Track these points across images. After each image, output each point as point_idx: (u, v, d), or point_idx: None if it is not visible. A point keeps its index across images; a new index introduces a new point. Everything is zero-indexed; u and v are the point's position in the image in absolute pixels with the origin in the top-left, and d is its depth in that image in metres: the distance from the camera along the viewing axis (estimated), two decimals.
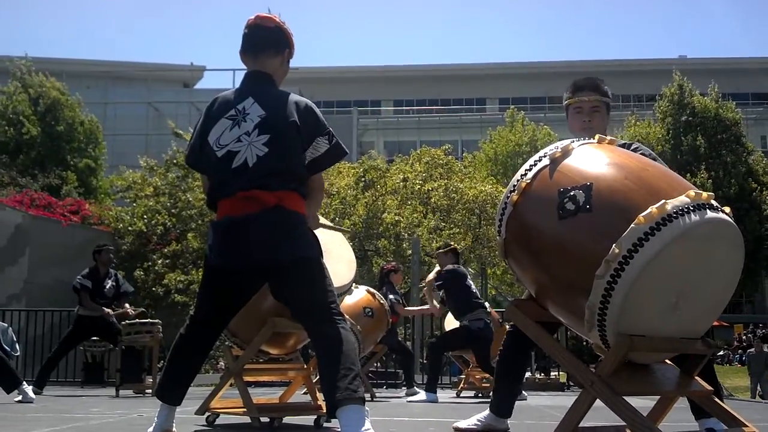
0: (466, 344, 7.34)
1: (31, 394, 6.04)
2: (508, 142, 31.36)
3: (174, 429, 3.03)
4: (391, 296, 7.68)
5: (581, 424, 2.31)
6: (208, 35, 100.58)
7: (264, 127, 2.81)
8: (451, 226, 16.25)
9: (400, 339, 8.76)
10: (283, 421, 3.94)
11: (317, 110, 2.92)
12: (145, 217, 15.90)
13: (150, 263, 15.35)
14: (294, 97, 2.91)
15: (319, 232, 3.00)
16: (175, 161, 16.78)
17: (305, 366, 4.47)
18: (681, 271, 2.11)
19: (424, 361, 11.45)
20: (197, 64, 43.10)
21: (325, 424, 3.87)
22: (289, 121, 2.81)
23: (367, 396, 6.40)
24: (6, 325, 7.86)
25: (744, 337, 25.83)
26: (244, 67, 3.04)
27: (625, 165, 2.28)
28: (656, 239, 2.02)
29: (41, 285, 12.80)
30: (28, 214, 13.99)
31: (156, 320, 8.08)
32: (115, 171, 20.51)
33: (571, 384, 9.61)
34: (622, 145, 3.16)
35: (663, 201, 2.06)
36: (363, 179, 16.17)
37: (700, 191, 2.14)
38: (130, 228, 15.69)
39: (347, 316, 2.89)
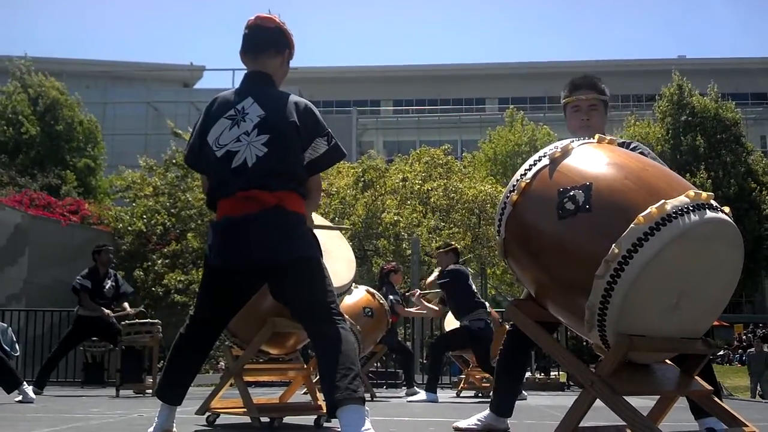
0: (466, 344, 7.34)
1: (32, 395, 6.04)
2: (507, 142, 31.35)
3: (174, 429, 3.03)
4: (391, 296, 7.68)
5: (581, 424, 2.31)
6: (208, 35, 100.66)
7: (263, 127, 2.81)
8: (451, 225, 16.25)
9: (400, 339, 8.77)
10: (284, 421, 3.94)
11: (317, 111, 2.92)
12: (144, 216, 15.89)
13: (149, 263, 15.34)
14: (294, 98, 2.91)
15: (318, 232, 3.00)
16: (174, 161, 16.77)
17: (305, 366, 4.47)
18: (681, 270, 2.11)
19: (424, 361, 11.46)
20: (197, 64, 43.14)
21: (326, 424, 3.87)
22: (289, 122, 2.82)
23: (367, 396, 6.40)
24: (6, 325, 7.85)
25: (744, 337, 25.83)
26: (244, 67, 3.04)
27: (625, 165, 2.28)
28: (656, 239, 2.02)
29: (41, 285, 12.80)
30: (28, 214, 13.98)
31: (156, 320, 8.09)
32: (114, 171, 20.51)
33: (571, 384, 9.61)
34: (621, 144, 3.17)
35: (662, 201, 2.06)
36: (362, 179, 16.17)
37: (700, 191, 2.14)
38: (129, 228, 15.69)
39: (347, 316, 2.90)
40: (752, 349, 16.97)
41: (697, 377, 2.49)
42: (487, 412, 3.58)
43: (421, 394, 7.06)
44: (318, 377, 2.99)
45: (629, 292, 2.04)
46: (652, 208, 2.05)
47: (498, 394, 3.56)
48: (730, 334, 27.53)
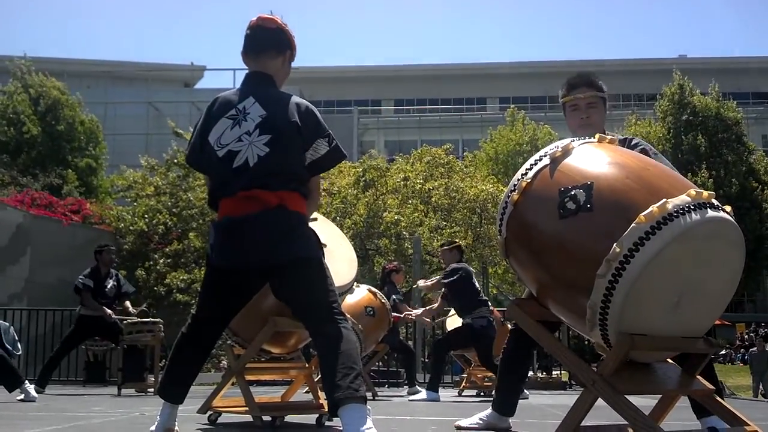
0: (469, 342, 7.34)
1: (33, 393, 6.05)
2: (508, 142, 31.33)
3: (176, 428, 3.03)
4: (393, 296, 7.69)
5: (583, 423, 2.31)
6: (209, 35, 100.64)
7: (265, 127, 2.82)
8: (452, 225, 16.25)
9: (401, 338, 8.77)
10: (285, 420, 3.95)
11: (317, 113, 2.93)
12: (146, 216, 15.89)
13: (151, 263, 15.35)
14: (295, 98, 2.92)
15: (319, 232, 3.00)
16: (175, 161, 16.77)
17: (307, 365, 4.47)
18: (682, 270, 2.11)
19: (426, 361, 11.46)
20: (198, 64, 43.09)
21: (327, 423, 3.88)
22: (291, 122, 2.82)
23: (369, 395, 6.40)
24: (8, 324, 7.85)
25: (746, 336, 25.82)
26: (245, 67, 3.05)
27: (626, 164, 2.28)
28: (657, 238, 2.02)
29: (43, 284, 12.81)
30: (29, 214, 13.99)
31: (157, 319, 8.10)
32: (115, 170, 20.49)
33: (573, 383, 9.61)
34: (623, 141, 3.17)
35: (664, 200, 2.06)
36: (363, 179, 16.17)
37: (701, 190, 2.14)
38: (131, 227, 15.68)
39: (348, 316, 2.90)
40: (754, 348, 16.95)
41: (698, 376, 2.49)
42: (489, 411, 3.59)
43: (423, 393, 7.06)
44: (319, 376, 2.99)
45: (631, 291, 2.04)
46: (653, 207, 2.05)
47: (500, 392, 3.57)
48: (732, 333, 27.51)
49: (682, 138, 27.10)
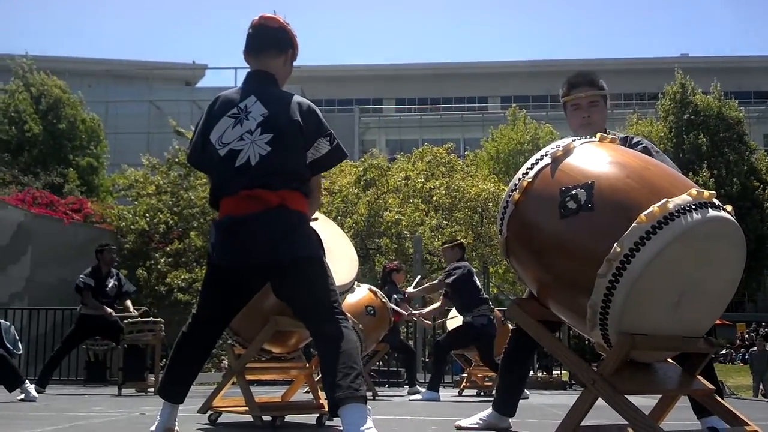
0: (470, 341, 7.34)
1: (34, 393, 6.05)
2: (510, 141, 31.31)
3: (176, 427, 3.03)
4: (394, 295, 7.69)
5: (583, 423, 2.31)
6: (210, 34, 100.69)
7: (266, 125, 2.82)
8: (453, 224, 16.24)
9: (402, 338, 8.77)
10: (285, 420, 3.94)
11: (319, 112, 2.93)
12: (147, 215, 15.89)
13: (152, 262, 15.35)
14: (297, 98, 2.92)
15: (320, 231, 3.00)
16: (176, 160, 16.77)
17: (307, 365, 4.47)
18: (683, 269, 2.11)
19: (426, 360, 11.46)
20: (199, 63, 43.05)
21: (327, 423, 3.88)
22: (293, 121, 2.82)
23: (369, 395, 6.41)
24: (8, 323, 7.84)
25: (746, 336, 25.82)
26: (247, 65, 3.05)
27: (627, 164, 2.28)
28: (658, 238, 2.02)
29: (43, 283, 12.81)
30: (30, 213, 14.00)
31: (158, 319, 8.10)
32: (116, 169, 20.50)
33: (573, 383, 9.61)
34: (624, 139, 3.17)
35: (665, 200, 2.06)
36: (364, 178, 16.16)
37: (702, 190, 2.14)
38: (132, 226, 15.68)
39: (349, 315, 2.90)
40: (754, 348, 16.95)
41: (698, 376, 2.49)
42: (489, 410, 3.58)
43: (424, 393, 7.06)
44: (320, 376, 2.99)
45: (631, 290, 2.04)
46: (654, 207, 2.04)
47: (501, 392, 3.57)
48: (733, 332, 27.51)
49: (683, 137, 27.09)
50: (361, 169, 16.45)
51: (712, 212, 2.11)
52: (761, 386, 14.91)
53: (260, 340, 3.79)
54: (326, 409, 3.65)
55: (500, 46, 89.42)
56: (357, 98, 45.60)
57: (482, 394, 8.09)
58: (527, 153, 26.36)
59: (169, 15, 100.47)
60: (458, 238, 10.36)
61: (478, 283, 7.41)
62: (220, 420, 3.99)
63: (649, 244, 2.02)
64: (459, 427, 3.65)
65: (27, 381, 6.15)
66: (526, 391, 6.89)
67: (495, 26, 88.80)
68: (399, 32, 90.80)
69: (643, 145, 3.18)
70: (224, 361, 11.95)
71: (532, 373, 9.98)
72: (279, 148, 2.79)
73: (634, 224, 2.04)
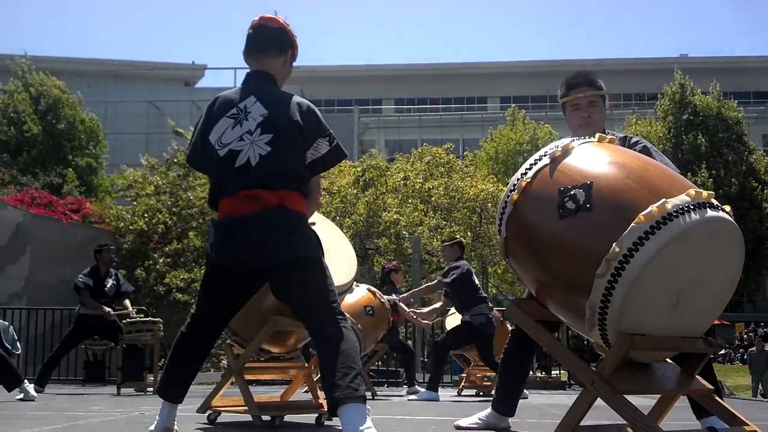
0: (469, 340, 7.34)
1: (33, 393, 6.05)
2: (509, 141, 31.32)
3: (176, 427, 3.03)
4: (393, 296, 7.68)
5: (582, 423, 2.31)
6: (210, 34, 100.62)
7: (266, 126, 2.82)
8: (452, 224, 16.23)
9: (401, 338, 8.77)
10: (284, 420, 3.94)
11: (318, 112, 2.93)
12: (146, 215, 15.89)
13: (151, 262, 15.34)
14: (296, 98, 2.92)
15: (319, 231, 3.00)
16: (176, 160, 16.76)
17: (306, 364, 4.47)
18: (681, 269, 2.11)
19: (426, 360, 11.46)
20: (198, 63, 43.04)
21: (326, 423, 3.88)
22: (292, 121, 2.82)
23: (368, 394, 6.41)
24: (7, 323, 7.85)
25: (745, 336, 25.82)
26: (246, 66, 3.05)
27: (626, 164, 2.28)
28: (656, 238, 2.02)
29: (42, 283, 12.81)
30: (29, 213, 14.00)
31: (157, 318, 8.10)
32: (115, 169, 20.47)
33: (572, 383, 9.61)
34: (623, 139, 3.17)
35: (663, 200, 2.06)
36: (363, 178, 16.16)
37: (701, 190, 2.15)
38: (131, 227, 15.68)
39: (348, 315, 2.90)
40: (753, 348, 16.94)
41: (697, 376, 2.49)
42: (488, 410, 3.58)
43: (423, 393, 7.06)
44: (319, 375, 2.99)
45: (630, 291, 2.04)
46: (652, 207, 2.05)
47: (500, 392, 3.57)
48: (731, 332, 27.51)
49: (682, 137, 27.10)
50: (360, 169, 16.44)
51: (710, 212, 2.11)
52: (760, 386, 14.92)
53: (259, 339, 3.80)
54: (325, 409, 3.64)
55: (499, 46, 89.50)
56: (356, 98, 45.60)
57: (481, 393, 8.09)
58: (526, 153, 26.36)
59: (168, 15, 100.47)
60: (457, 236, 10.35)
61: (476, 282, 7.41)
62: (219, 419, 3.99)
63: (648, 244, 2.02)
64: (458, 427, 3.65)
65: (26, 381, 6.15)
66: (525, 391, 6.90)
67: (494, 26, 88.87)
68: (398, 32, 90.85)
69: (643, 144, 3.18)
70: (223, 361, 11.95)
71: (531, 373, 9.99)
72: (279, 149, 2.79)
73: (632, 224, 2.04)
